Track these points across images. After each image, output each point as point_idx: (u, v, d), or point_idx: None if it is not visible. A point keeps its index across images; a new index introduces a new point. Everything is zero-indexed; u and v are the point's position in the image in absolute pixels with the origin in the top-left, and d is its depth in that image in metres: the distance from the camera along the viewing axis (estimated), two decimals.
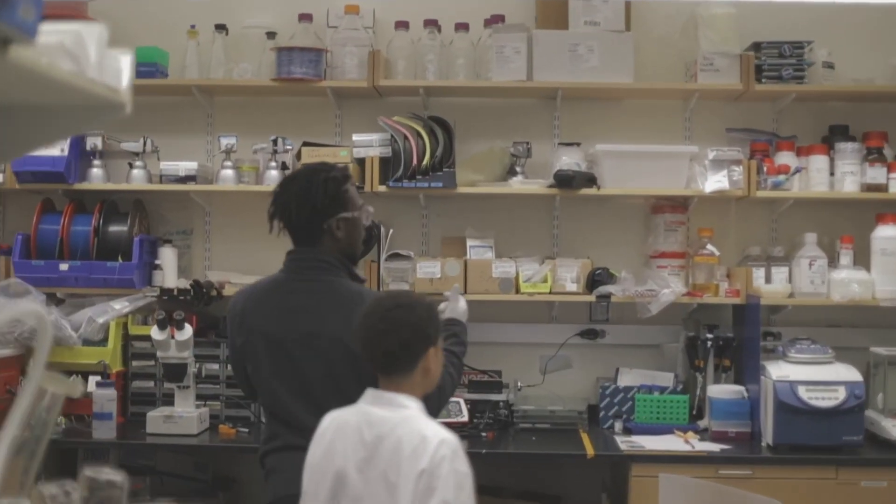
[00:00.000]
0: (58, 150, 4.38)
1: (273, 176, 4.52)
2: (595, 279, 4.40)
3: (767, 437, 4.02)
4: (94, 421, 4.15)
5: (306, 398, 2.84)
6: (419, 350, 2.47)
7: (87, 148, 4.59)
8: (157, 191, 4.62)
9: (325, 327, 2.88)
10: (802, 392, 3.95)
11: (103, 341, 4.42)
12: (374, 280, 4.42)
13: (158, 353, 4.27)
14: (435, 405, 2.73)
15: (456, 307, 3.13)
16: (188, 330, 4.25)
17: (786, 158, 4.48)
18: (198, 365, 4.36)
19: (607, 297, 4.34)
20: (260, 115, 4.77)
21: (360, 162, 4.46)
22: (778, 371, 4.03)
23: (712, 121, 4.68)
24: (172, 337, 4.22)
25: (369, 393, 2.47)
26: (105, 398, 4.17)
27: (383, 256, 4.47)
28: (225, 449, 4.32)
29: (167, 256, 4.66)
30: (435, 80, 4.58)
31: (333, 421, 2.49)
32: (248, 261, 4.65)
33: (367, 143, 4.51)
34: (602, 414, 4.39)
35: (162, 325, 4.20)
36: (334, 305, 2.89)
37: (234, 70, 4.68)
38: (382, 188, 4.43)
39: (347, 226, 2.94)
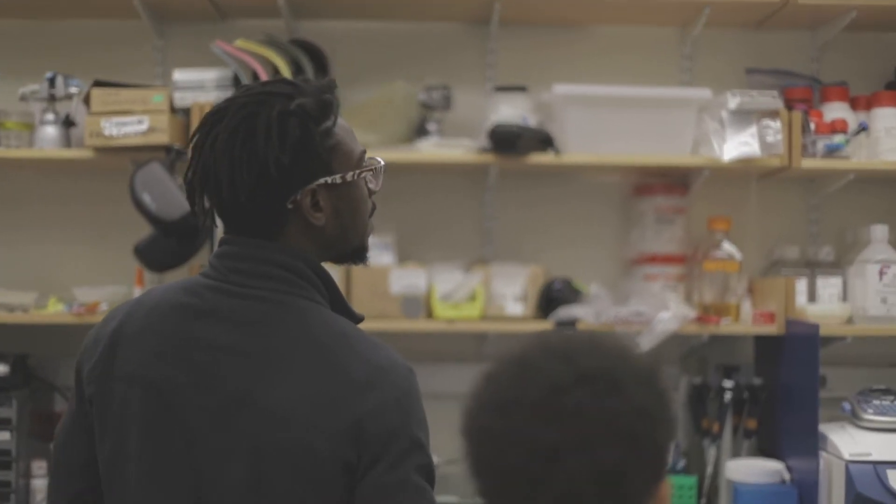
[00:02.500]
0: None
1: (50, 134, 3.47)
2: (551, 297, 3.62)
3: None
4: None
5: None
6: (642, 489, 1.27)
7: None
8: None
9: (269, 393, 1.70)
10: (894, 480, 3.04)
11: None
12: None
13: None
14: None
15: None
16: None
17: (838, 112, 3.53)
18: None
19: (571, 324, 3.56)
20: (44, 49, 3.79)
21: (185, 112, 3.48)
22: (850, 444, 3.09)
23: (724, 57, 3.81)
24: None
25: None
26: None
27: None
28: None
29: None
30: None
31: None
32: (26, 269, 3.79)
33: (196, 84, 3.49)
34: None
35: None
36: (294, 350, 1.73)
37: None
38: None
39: (334, 200, 1.81)
